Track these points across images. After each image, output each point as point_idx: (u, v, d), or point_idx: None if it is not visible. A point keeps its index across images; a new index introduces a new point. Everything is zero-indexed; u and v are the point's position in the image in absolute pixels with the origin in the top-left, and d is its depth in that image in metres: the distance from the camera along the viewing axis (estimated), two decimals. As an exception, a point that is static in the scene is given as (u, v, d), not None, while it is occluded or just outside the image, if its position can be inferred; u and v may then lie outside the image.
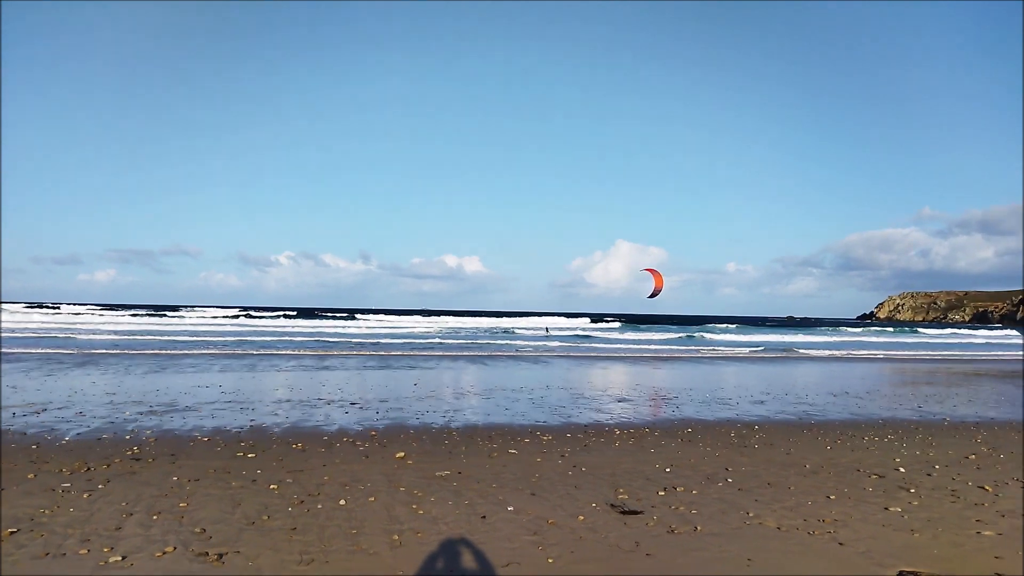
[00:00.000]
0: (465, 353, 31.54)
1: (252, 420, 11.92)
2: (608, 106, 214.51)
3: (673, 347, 40.22)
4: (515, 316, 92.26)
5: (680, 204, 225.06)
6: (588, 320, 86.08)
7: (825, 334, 63.87)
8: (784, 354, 36.32)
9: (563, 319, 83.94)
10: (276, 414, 12.62)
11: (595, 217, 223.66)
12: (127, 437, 10.26)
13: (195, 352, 28.06)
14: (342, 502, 7.03)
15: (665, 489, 7.83)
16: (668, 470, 8.82)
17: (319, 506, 6.89)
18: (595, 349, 37.40)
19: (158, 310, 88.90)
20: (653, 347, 39.78)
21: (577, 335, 52.86)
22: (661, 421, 12.77)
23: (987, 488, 8.07)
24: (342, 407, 13.65)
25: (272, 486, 7.63)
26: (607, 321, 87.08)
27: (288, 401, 14.34)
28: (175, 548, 5.61)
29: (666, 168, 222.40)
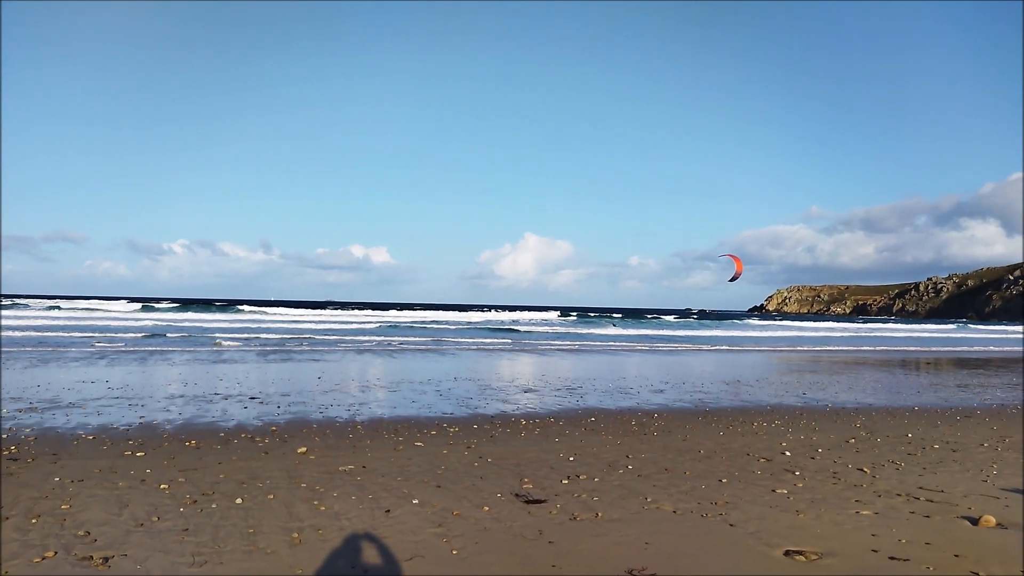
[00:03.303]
0: (373, 348, 31.10)
1: (142, 417, 11.33)
2: (515, 100, 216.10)
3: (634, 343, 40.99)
4: (426, 309, 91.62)
5: (587, 198, 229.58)
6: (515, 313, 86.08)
7: (759, 328, 63.90)
8: (733, 347, 37.70)
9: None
10: (168, 410, 12.04)
11: (504, 210, 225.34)
12: (4, 436, 9.54)
13: (80, 347, 26.38)
14: (238, 501, 6.80)
15: (568, 478, 7.99)
16: (572, 459, 9.00)
17: (213, 506, 6.63)
18: (510, 343, 37.66)
19: (40, 300, 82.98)
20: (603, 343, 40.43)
21: (503, 328, 52.33)
22: (566, 411, 13.01)
23: (865, 470, 8.65)
24: (241, 402, 13.18)
25: (163, 486, 7.29)
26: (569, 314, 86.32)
27: (182, 396, 13.72)
28: (56, 552, 5.27)
29: (574, 162, 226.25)
